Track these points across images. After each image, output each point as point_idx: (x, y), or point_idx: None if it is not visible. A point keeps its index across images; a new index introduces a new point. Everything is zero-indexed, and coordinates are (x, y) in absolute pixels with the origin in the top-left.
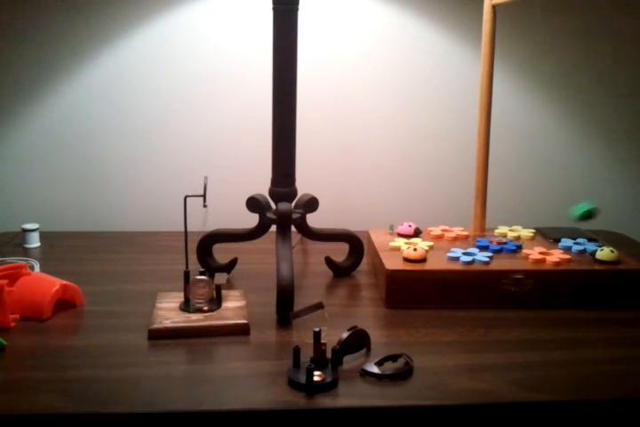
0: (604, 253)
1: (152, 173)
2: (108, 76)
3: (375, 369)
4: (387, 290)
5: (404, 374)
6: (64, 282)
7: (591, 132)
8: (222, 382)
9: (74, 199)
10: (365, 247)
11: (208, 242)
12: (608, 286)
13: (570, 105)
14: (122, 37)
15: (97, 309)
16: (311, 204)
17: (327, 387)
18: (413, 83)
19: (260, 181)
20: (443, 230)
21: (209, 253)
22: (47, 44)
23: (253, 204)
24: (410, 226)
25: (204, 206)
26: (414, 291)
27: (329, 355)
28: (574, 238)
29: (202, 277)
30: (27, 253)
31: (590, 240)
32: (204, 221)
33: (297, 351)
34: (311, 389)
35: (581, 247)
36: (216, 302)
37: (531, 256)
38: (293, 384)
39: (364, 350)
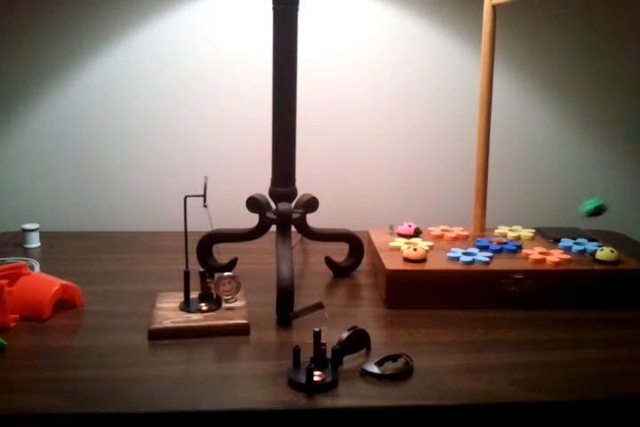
0: (604, 253)
1: (152, 173)
2: (108, 75)
3: (375, 369)
4: (387, 290)
5: (404, 374)
6: (64, 282)
7: (591, 131)
8: (222, 382)
9: (74, 199)
10: (365, 247)
11: (208, 242)
12: (608, 286)
13: (570, 105)
14: (122, 37)
15: (97, 309)
16: (311, 204)
17: (327, 387)
18: (413, 83)
19: (260, 181)
20: (443, 230)
21: (209, 253)
22: (47, 44)
23: (253, 204)
24: (410, 226)
25: (205, 206)
26: (414, 291)
27: (329, 355)
28: (574, 238)
29: (227, 273)
30: (27, 253)
31: (590, 240)
32: (210, 221)
33: (297, 351)
34: (311, 389)
35: (581, 247)
36: (216, 302)
37: (531, 256)
38: (293, 384)
39: (364, 350)
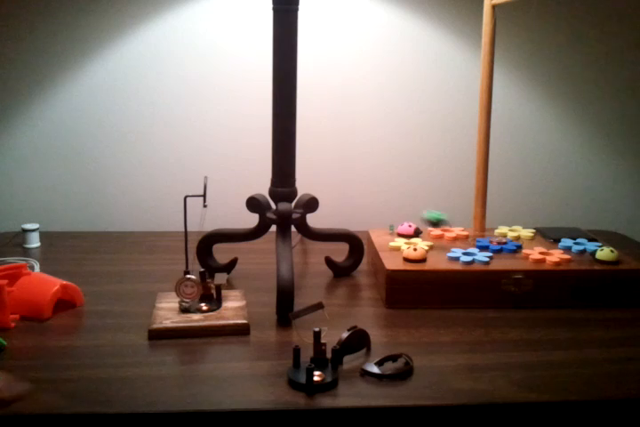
0: (604, 253)
1: (152, 173)
2: (107, 75)
3: (375, 369)
4: (387, 290)
5: (404, 374)
6: (64, 282)
7: (591, 131)
8: (222, 382)
9: (74, 199)
10: (365, 247)
11: (208, 242)
12: (608, 286)
13: (570, 105)
14: (122, 37)
15: (97, 309)
16: (311, 204)
17: (327, 387)
18: (413, 83)
19: (260, 181)
20: (443, 230)
21: (209, 253)
22: (47, 44)
23: (253, 204)
24: (410, 226)
25: (204, 206)
26: (414, 291)
27: (329, 355)
28: (574, 238)
29: (190, 276)
30: (27, 253)
31: (590, 240)
32: (201, 219)
33: (297, 351)
34: (311, 389)
35: (581, 247)
36: (216, 302)
37: (531, 256)
38: (293, 384)
39: (364, 350)
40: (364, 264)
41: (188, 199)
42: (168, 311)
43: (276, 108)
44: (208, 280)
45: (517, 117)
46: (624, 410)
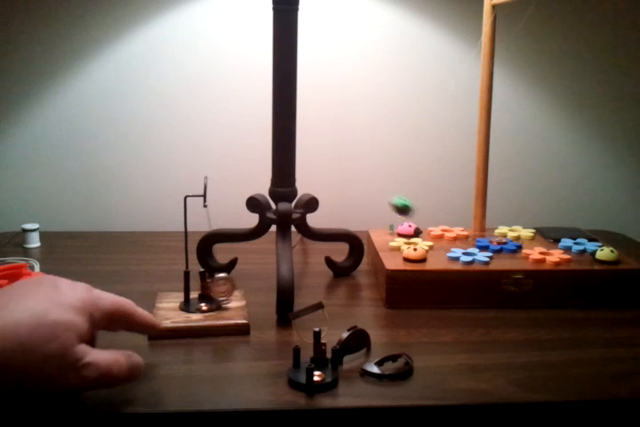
0: (604, 253)
1: (152, 173)
2: (107, 75)
3: (375, 369)
4: (387, 290)
5: (404, 374)
6: None
7: (591, 132)
8: (222, 382)
9: (74, 199)
10: (365, 247)
11: (208, 242)
12: (608, 286)
13: (570, 105)
14: (122, 37)
15: None
16: (311, 204)
17: (327, 387)
18: (413, 83)
19: (260, 181)
20: (443, 230)
21: (209, 253)
22: (47, 44)
23: (253, 204)
24: (410, 226)
25: (204, 206)
26: (414, 291)
27: (329, 355)
28: (574, 238)
29: (220, 274)
30: (27, 253)
31: (590, 240)
32: (208, 219)
33: (297, 351)
34: (311, 389)
35: (581, 247)
36: (216, 302)
37: (531, 256)
38: (293, 384)
39: (364, 350)
40: (364, 264)
41: (188, 199)
42: (168, 311)
43: (276, 108)
44: (208, 280)
45: (517, 117)
46: (624, 410)
